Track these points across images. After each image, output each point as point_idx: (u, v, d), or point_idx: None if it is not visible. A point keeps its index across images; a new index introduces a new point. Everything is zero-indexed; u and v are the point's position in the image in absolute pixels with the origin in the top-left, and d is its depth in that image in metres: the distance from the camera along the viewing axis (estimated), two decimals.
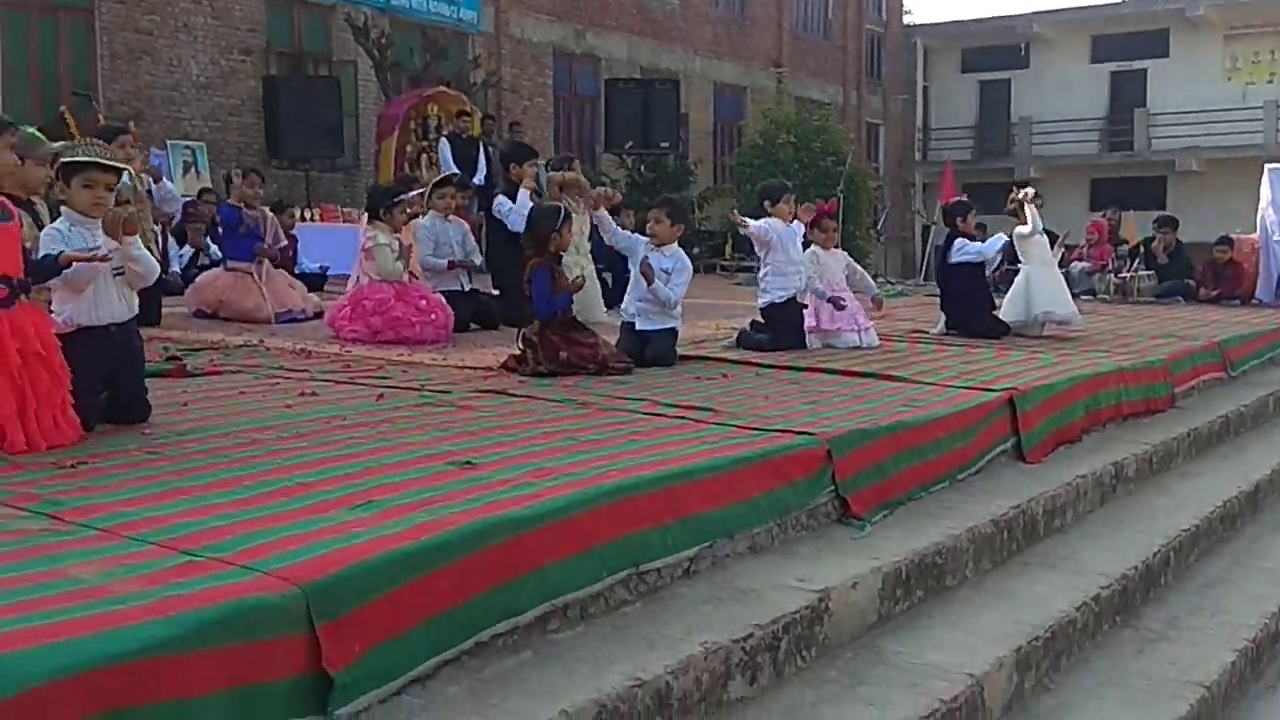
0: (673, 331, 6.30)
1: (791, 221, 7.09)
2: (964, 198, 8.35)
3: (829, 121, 24.26)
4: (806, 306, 7.00)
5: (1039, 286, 8.14)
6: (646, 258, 6.18)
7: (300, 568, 2.38)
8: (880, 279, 18.92)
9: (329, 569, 2.37)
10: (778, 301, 6.87)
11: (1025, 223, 8.19)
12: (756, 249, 7.03)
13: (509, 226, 8.18)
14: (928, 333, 8.15)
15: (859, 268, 7.51)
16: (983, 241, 8.10)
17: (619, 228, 6.61)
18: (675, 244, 6.33)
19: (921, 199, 31.57)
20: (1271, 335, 9.76)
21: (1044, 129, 32.36)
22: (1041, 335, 8.13)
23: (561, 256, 5.87)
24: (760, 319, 7.08)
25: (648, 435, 4.10)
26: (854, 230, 21.19)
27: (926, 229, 25.23)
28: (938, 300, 8.55)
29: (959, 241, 8.04)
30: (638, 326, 6.28)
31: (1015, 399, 5.20)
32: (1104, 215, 16.42)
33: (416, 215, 8.14)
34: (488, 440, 3.96)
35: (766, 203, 7.08)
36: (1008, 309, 8.24)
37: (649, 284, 6.13)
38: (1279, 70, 30.47)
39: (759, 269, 7.17)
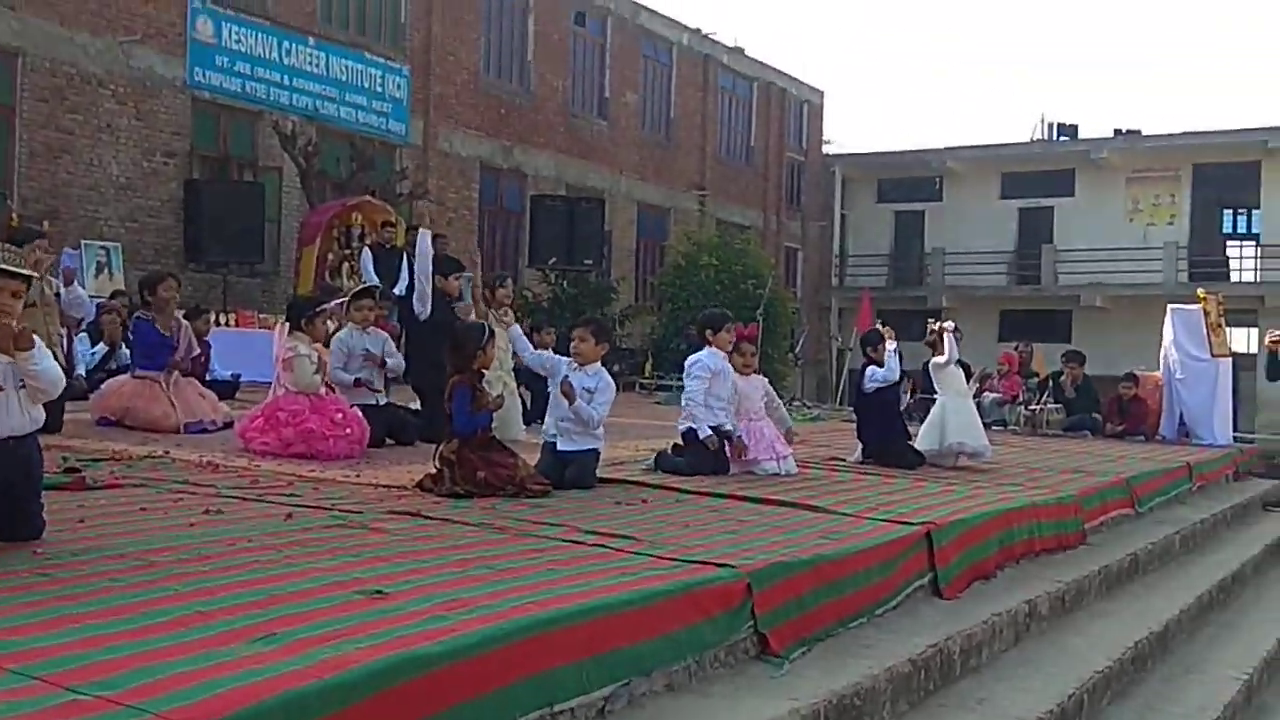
0: (594, 453, 6.23)
1: (730, 351, 7.09)
2: (877, 326, 8.45)
3: (750, 245, 24.96)
4: (728, 434, 6.99)
5: (953, 417, 8.24)
6: (567, 377, 6.14)
7: (194, 708, 2.24)
8: (797, 402, 19.18)
9: (223, 710, 2.24)
10: (693, 430, 6.87)
11: (942, 353, 8.30)
12: (693, 381, 6.99)
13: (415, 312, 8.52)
14: (844, 460, 8.18)
15: (775, 396, 7.53)
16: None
17: (533, 347, 6.59)
18: (598, 363, 6.30)
19: (837, 323, 32.13)
20: (1176, 473, 9.95)
21: (956, 259, 33.19)
22: (955, 466, 8.20)
23: (484, 374, 5.80)
24: (680, 442, 7.05)
25: (566, 564, 3.98)
26: (772, 353, 21.38)
27: (842, 353, 25.64)
28: (854, 426, 8.58)
29: (869, 370, 8.15)
30: (559, 447, 6.20)
31: (932, 533, 5.19)
32: (1015, 348, 16.81)
33: (341, 327, 8.05)
34: (400, 566, 3.81)
35: (708, 331, 7.05)
36: (923, 438, 8.32)
37: (570, 403, 6.08)
38: (1178, 213, 31.79)
39: (687, 393, 7.15)
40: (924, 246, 34.24)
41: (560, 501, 5.63)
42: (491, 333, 5.81)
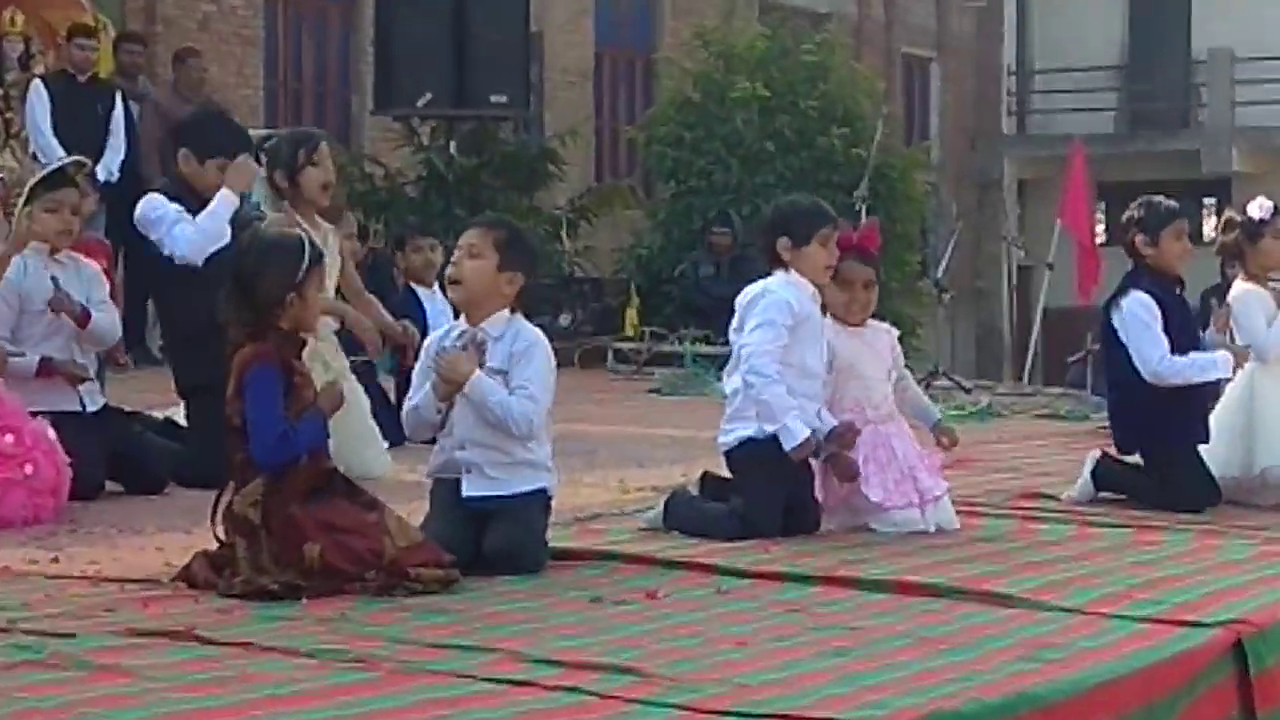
0: (537, 498, 3.45)
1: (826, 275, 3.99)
2: (1156, 199, 4.75)
3: (834, 55, 12.69)
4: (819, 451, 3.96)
5: (1276, 408, 4.99)
6: (456, 339, 3.45)
7: None
8: (943, 380, 9.07)
9: None
10: (760, 439, 3.88)
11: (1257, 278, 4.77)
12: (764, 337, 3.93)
13: (175, 260, 4.59)
14: (1055, 497, 4.93)
15: (906, 368, 4.54)
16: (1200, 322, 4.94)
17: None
18: (508, 310, 3.56)
19: (1019, 213, 17.93)
20: None
21: (1256, 71, 17.32)
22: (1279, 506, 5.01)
23: (304, 342, 3.23)
24: (726, 470, 4.13)
25: None
26: (889, 277, 10.56)
27: (1024, 273, 15.21)
28: (1072, 431, 5.40)
29: (1133, 299, 4.93)
30: (467, 491, 3.49)
31: (1246, 640, 3.19)
32: None
33: None
34: None
35: (784, 240, 4.00)
36: (1209, 449, 5.06)
37: (451, 389, 3.38)
38: None
39: (730, 368, 4.20)
40: (1189, 47, 18.38)
41: (479, 600, 3.32)
42: (318, 254, 3.19)
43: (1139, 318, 4.50)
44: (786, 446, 3.77)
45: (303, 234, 3.34)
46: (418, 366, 3.54)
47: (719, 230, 10.64)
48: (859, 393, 4.04)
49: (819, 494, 3.97)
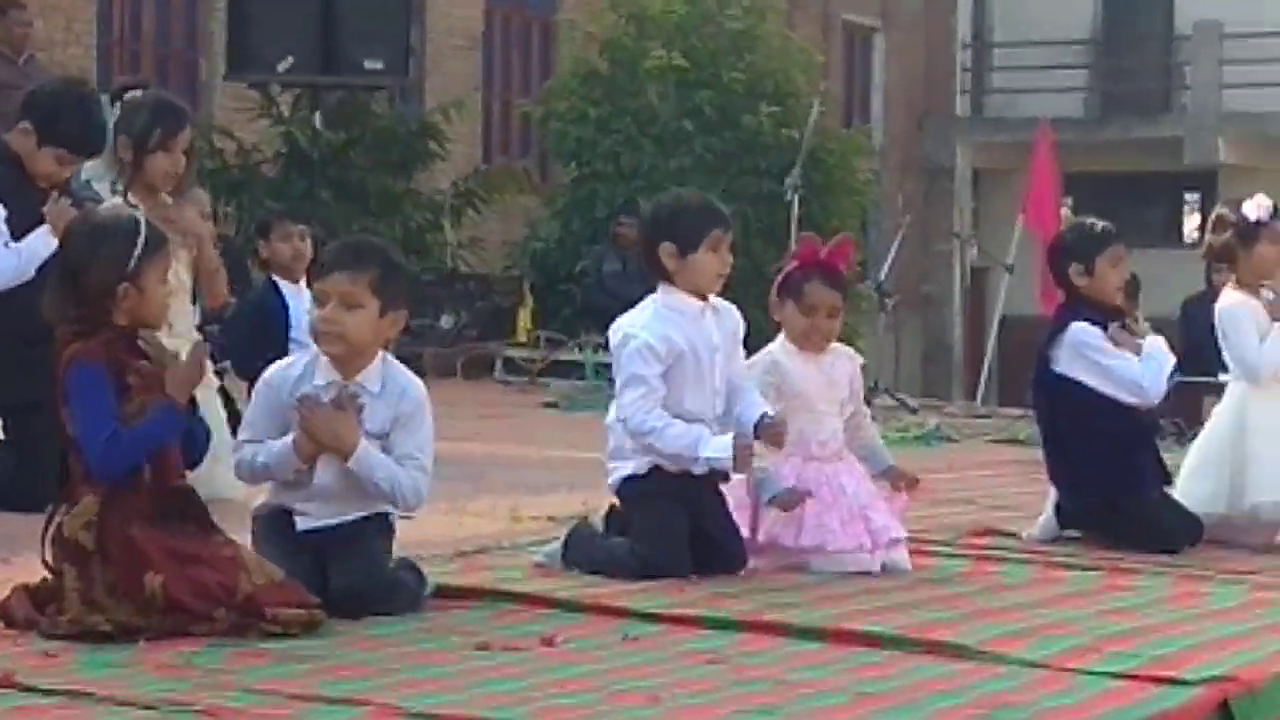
0: (378, 526, 3.08)
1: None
2: (1089, 220, 4.80)
3: (763, 22, 11.44)
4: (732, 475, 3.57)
5: (1270, 438, 4.65)
6: (323, 388, 3.06)
7: None
8: (883, 398, 8.50)
9: None
10: (645, 474, 3.51)
11: (1253, 285, 4.36)
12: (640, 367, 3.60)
13: None
14: (1014, 535, 4.57)
15: (864, 402, 4.16)
16: (1136, 341, 4.61)
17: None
18: (381, 355, 3.18)
19: (973, 207, 16.42)
20: None
21: (1246, 49, 15.58)
22: (1271, 546, 4.64)
23: (139, 339, 2.88)
24: (617, 502, 3.76)
25: None
26: None
27: (977, 275, 13.91)
28: (1034, 459, 4.83)
29: (1076, 331, 4.60)
30: (300, 526, 3.08)
31: (1232, 701, 2.90)
32: None
33: None
34: None
35: (669, 246, 3.51)
36: (1192, 481, 4.72)
37: (319, 451, 3.01)
38: None
39: (622, 389, 3.77)
40: (1172, 21, 16.77)
41: (348, 645, 2.96)
42: (158, 239, 2.85)
43: (1091, 346, 4.12)
44: (730, 470, 3.42)
45: (140, 216, 2.96)
46: (259, 403, 3.08)
47: (626, 221, 9.32)
48: (807, 425, 3.64)
49: (745, 529, 3.59)
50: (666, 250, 3.48)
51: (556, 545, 3.56)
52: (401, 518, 3.13)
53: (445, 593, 3.30)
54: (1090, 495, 4.21)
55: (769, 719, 2.44)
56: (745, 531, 3.58)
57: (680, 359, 3.46)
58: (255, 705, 2.42)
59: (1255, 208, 4.26)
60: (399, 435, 3.02)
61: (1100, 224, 4.34)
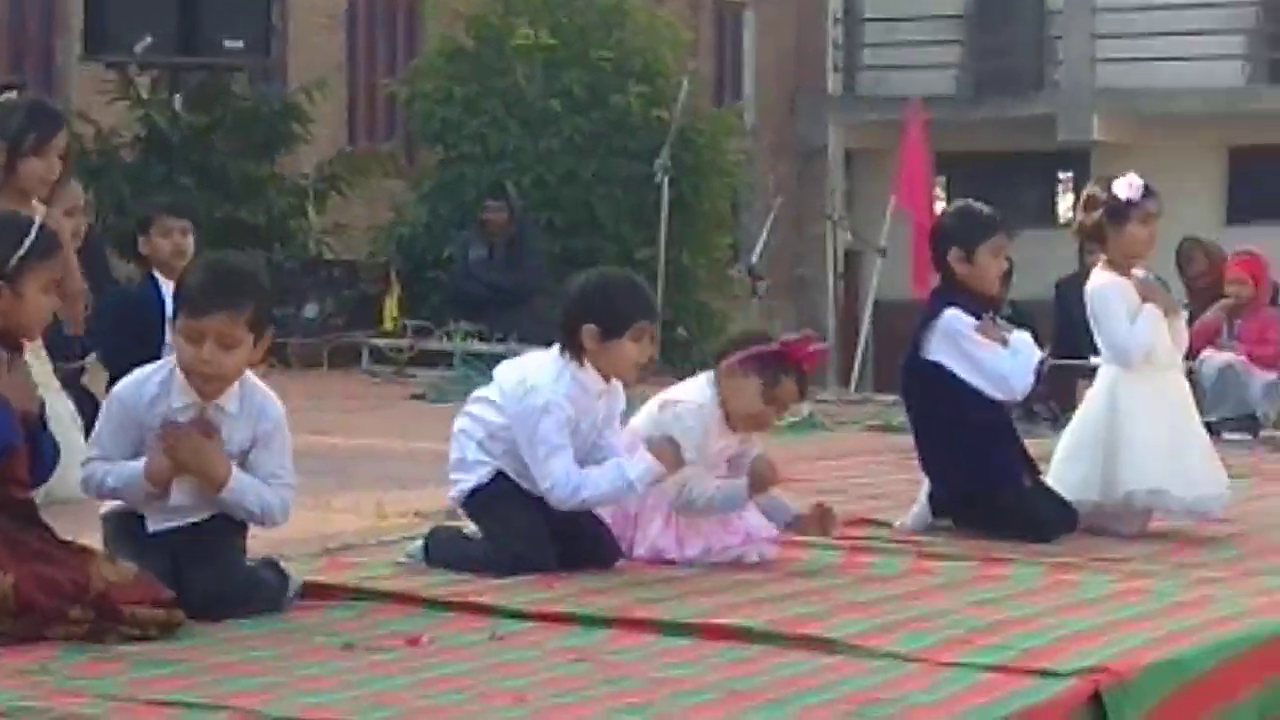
0: (235, 529, 2.96)
1: None
2: (974, 206, 4.49)
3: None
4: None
5: (1144, 422, 4.56)
6: (180, 410, 2.88)
7: None
8: None
9: None
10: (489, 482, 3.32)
11: (1120, 263, 4.25)
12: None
13: None
14: (887, 524, 4.50)
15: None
16: (1005, 329, 4.53)
17: None
18: (243, 375, 3.08)
19: (845, 187, 15.74)
20: None
21: (1119, 24, 15.21)
22: (1143, 534, 4.56)
23: (21, 345, 2.81)
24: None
25: None
26: (694, 263, 10.38)
27: (850, 258, 13.36)
28: (908, 446, 4.59)
29: (949, 318, 4.17)
30: (150, 527, 2.94)
31: (1104, 691, 2.81)
32: None
33: None
34: None
35: (592, 329, 3.29)
36: (1065, 467, 4.69)
37: (176, 474, 2.89)
38: None
39: (547, 459, 3.50)
40: None
41: (208, 647, 2.84)
42: (48, 245, 2.74)
43: (963, 334, 4.02)
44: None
45: (31, 218, 2.86)
46: (109, 419, 2.93)
47: (493, 205, 9.17)
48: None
49: (624, 533, 3.51)
50: (589, 332, 3.32)
51: (418, 545, 3.45)
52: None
53: (311, 591, 3.17)
54: (962, 484, 4.14)
55: (637, 717, 2.37)
56: (623, 546, 3.51)
57: (578, 426, 3.41)
58: (111, 712, 2.32)
59: (1126, 187, 4.12)
60: (260, 454, 2.94)
61: (985, 210, 4.25)
